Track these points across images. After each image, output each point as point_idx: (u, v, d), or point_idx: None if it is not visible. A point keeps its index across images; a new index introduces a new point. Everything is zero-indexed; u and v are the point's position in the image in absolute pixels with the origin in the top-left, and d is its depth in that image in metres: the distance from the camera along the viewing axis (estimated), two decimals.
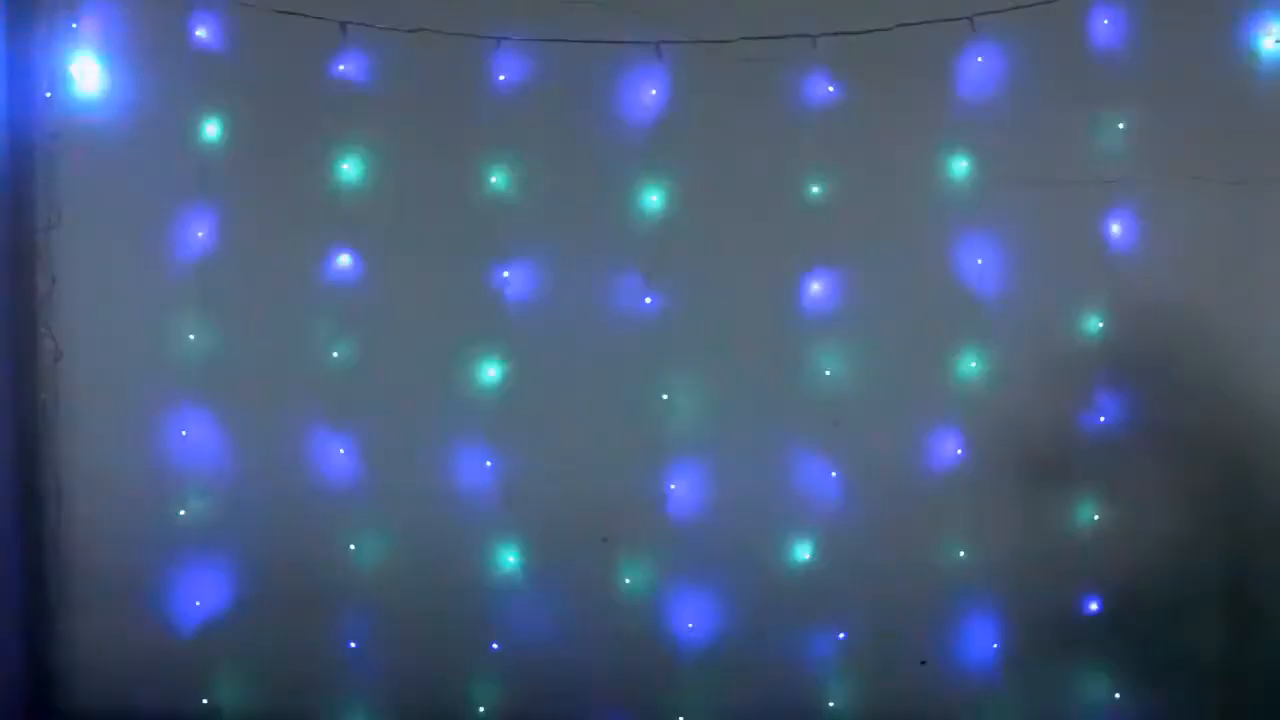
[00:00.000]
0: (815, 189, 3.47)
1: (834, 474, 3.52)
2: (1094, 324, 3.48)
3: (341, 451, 3.58)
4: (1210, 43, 3.43)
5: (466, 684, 3.62)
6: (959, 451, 3.50)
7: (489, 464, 3.58)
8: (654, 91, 3.47)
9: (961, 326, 3.49)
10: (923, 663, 3.54)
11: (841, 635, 3.53)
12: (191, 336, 3.58)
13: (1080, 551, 3.50)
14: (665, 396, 3.54)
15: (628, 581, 3.56)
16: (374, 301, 3.57)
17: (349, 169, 3.53)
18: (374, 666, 3.61)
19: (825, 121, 3.45)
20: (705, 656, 3.54)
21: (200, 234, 3.57)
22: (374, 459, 3.59)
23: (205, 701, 3.64)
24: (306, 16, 3.42)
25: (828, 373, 3.50)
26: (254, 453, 3.62)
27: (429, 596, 3.58)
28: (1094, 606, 3.50)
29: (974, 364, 3.49)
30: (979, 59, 3.40)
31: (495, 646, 3.60)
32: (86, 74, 3.55)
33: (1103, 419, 3.49)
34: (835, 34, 3.35)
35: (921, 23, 3.33)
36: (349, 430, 3.58)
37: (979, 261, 3.46)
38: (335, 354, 3.56)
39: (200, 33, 3.51)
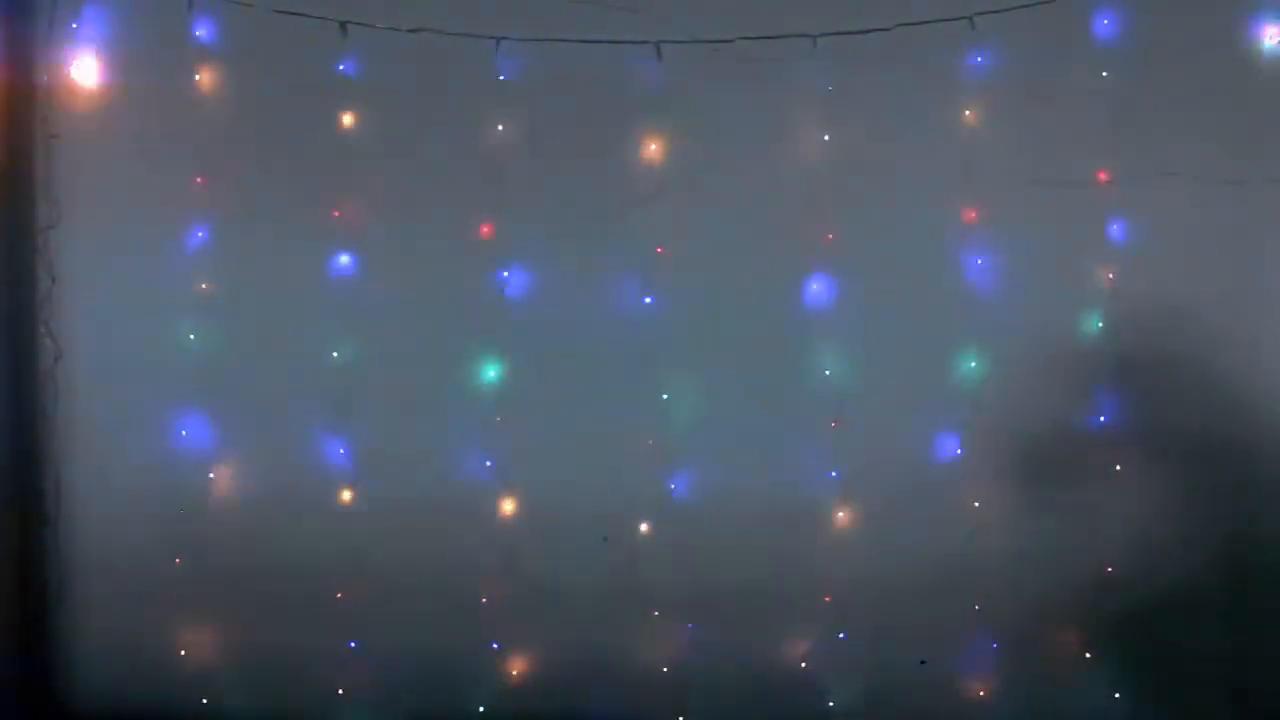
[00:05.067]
0: (815, 188, 3.48)
1: (834, 473, 3.53)
2: (1094, 324, 3.49)
3: (342, 451, 3.59)
4: (1210, 42, 3.44)
5: (466, 684, 3.62)
6: (959, 451, 3.51)
7: (489, 464, 3.59)
8: (654, 92, 3.48)
9: (961, 326, 3.49)
10: (923, 663, 3.54)
11: (841, 635, 3.55)
12: (191, 336, 3.59)
13: (1080, 551, 3.51)
14: (665, 396, 3.55)
15: (628, 581, 3.57)
16: (374, 301, 3.58)
17: (348, 169, 3.54)
18: (374, 666, 3.62)
19: (825, 121, 3.46)
20: (705, 656, 3.55)
21: (200, 234, 3.58)
22: (374, 459, 3.60)
23: (205, 701, 3.65)
24: (307, 16, 3.42)
25: (827, 372, 3.51)
26: (254, 452, 3.63)
27: (429, 596, 3.59)
28: (1094, 605, 3.52)
29: (974, 363, 3.49)
30: (979, 59, 3.41)
31: (495, 646, 3.61)
32: (86, 74, 3.56)
33: (1103, 419, 3.50)
34: (835, 34, 3.36)
35: (921, 23, 3.34)
36: (349, 430, 3.59)
37: (979, 261, 3.47)
38: (335, 354, 3.57)
39: (200, 33, 3.51)
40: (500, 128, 3.51)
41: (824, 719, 3.55)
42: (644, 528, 3.56)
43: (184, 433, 3.60)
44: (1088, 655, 3.52)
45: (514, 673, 3.60)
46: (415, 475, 3.58)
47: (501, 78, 3.48)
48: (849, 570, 3.50)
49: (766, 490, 3.52)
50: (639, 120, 3.51)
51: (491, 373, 3.57)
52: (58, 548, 3.66)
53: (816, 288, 3.50)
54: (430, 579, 3.59)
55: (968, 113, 3.44)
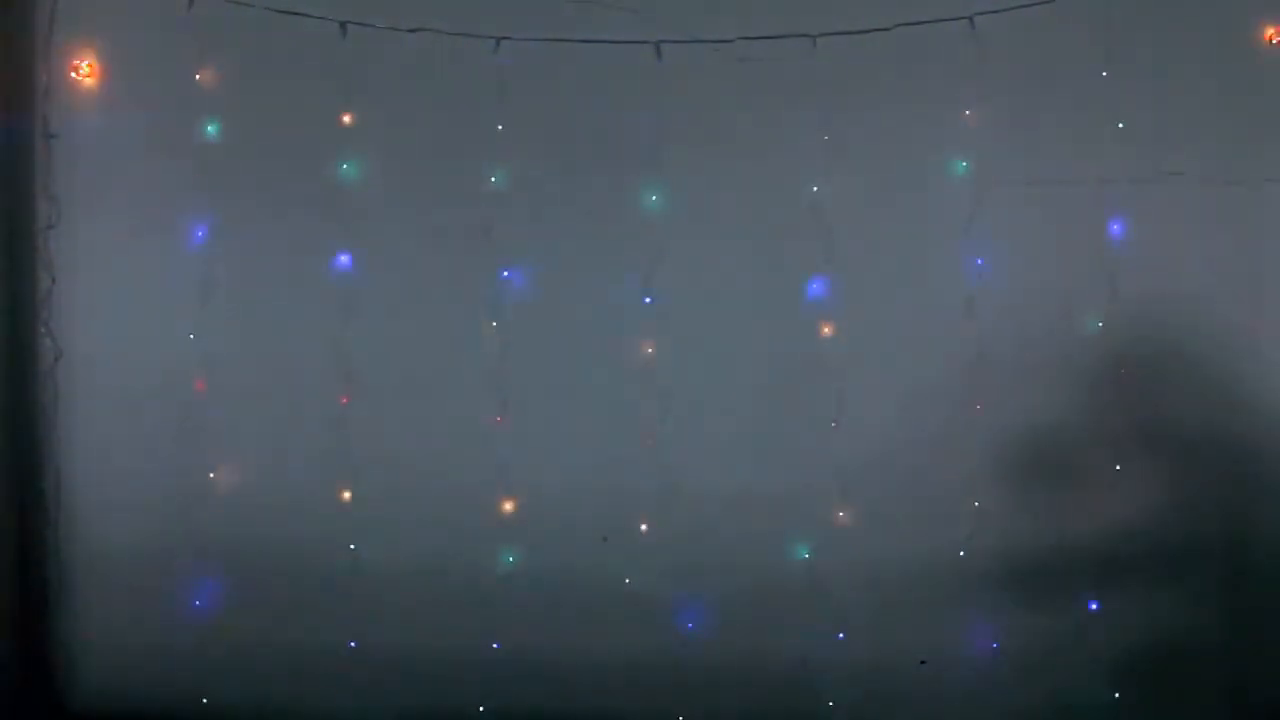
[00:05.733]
0: (815, 189, 3.48)
1: (834, 474, 3.53)
2: (1094, 324, 3.49)
3: (342, 451, 3.59)
4: (1211, 42, 3.43)
5: (466, 684, 3.62)
6: (959, 451, 3.51)
7: (490, 463, 3.59)
8: (653, 91, 3.48)
9: (961, 325, 3.49)
10: (922, 663, 3.54)
11: (841, 635, 3.55)
12: (191, 336, 3.59)
13: (1080, 551, 3.51)
14: (665, 396, 3.55)
15: (628, 581, 3.58)
16: (374, 300, 3.58)
17: (349, 169, 3.54)
18: (374, 666, 3.62)
19: (825, 121, 3.46)
20: (705, 656, 3.55)
21: (200, 234, 3.58)
22: (374, 458, 3.60)
23: (205, 701, 3.65)
24: (307, 16, 3.42)
25: (828, 372, 3.51)
26: (253, 452, 3.63)
27: (429, 596, 3.59)
28: (1094, 605, 3.52)
29: (974, 364, 3.49)
30: (979, 59, 3.41)
31: (495, 646, 3.61)
32: (86, 74, 3.56)
33: (1102, 418, 3.50)
34: (835, 34, 3.36)
35: (921, 23, 3.34)
36: (349, 429, 3.59)
37: (979, 261, 3.47)
38: (335, 353, 3.57)
39: (200, 32, 3.51)
40: (500, 128, 3.51)
41: (824, 719, 3.57)
42: (644, 527, 3.56)
43: (184, 433, 3.60)
44: (1087, 655, 3.53)
45: (514, 672, 3.61)
46: (415, 475, 3.58)
47: (501, 78, 3.48)
48: (848, 570, 3.51)
49: (766, 490, 3.53)
50: (638, 120, 3.50)
51: (492, 372, 3.57)
52: (58, 547, 3.66)
53: (816, 288, 3.51)
54: (430, 578, 3.59)
55: (968, 113, 3.44)
